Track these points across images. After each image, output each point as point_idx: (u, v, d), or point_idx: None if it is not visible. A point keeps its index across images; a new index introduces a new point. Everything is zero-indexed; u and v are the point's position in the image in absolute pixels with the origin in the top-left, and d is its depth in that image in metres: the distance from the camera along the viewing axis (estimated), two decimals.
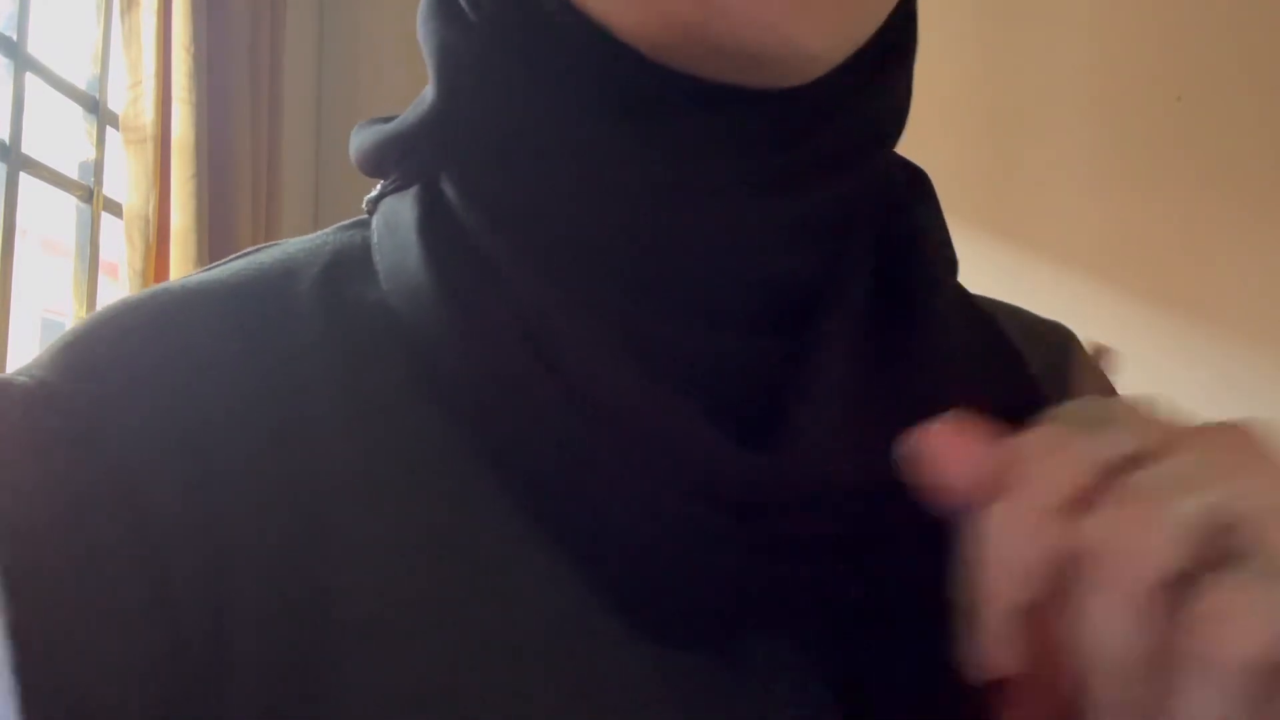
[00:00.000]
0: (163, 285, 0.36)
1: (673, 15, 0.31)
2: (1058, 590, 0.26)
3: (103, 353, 0.33)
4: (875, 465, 0.31)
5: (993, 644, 0.27)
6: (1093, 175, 1.98)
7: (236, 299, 0.35)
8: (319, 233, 0.39)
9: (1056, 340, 0.45)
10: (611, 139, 0.34)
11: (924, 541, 0.31)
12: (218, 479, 0.31)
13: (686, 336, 0.33)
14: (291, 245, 0.38)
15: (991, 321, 0.39)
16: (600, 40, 0.33)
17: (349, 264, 0.36)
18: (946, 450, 0.28)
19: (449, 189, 0.35)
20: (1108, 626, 0.26)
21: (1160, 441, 0.27)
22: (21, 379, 0.32)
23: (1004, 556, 0.27)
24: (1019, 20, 1.97)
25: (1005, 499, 0.27)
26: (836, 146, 0.35)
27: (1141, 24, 1.99)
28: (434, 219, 0.34)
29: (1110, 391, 0.45)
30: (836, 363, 0.33)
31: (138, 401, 0.32)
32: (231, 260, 0.37)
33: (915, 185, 0.40)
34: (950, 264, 0.38)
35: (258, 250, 0.38)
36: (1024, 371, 0.37)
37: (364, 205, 0.38)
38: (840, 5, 0.32)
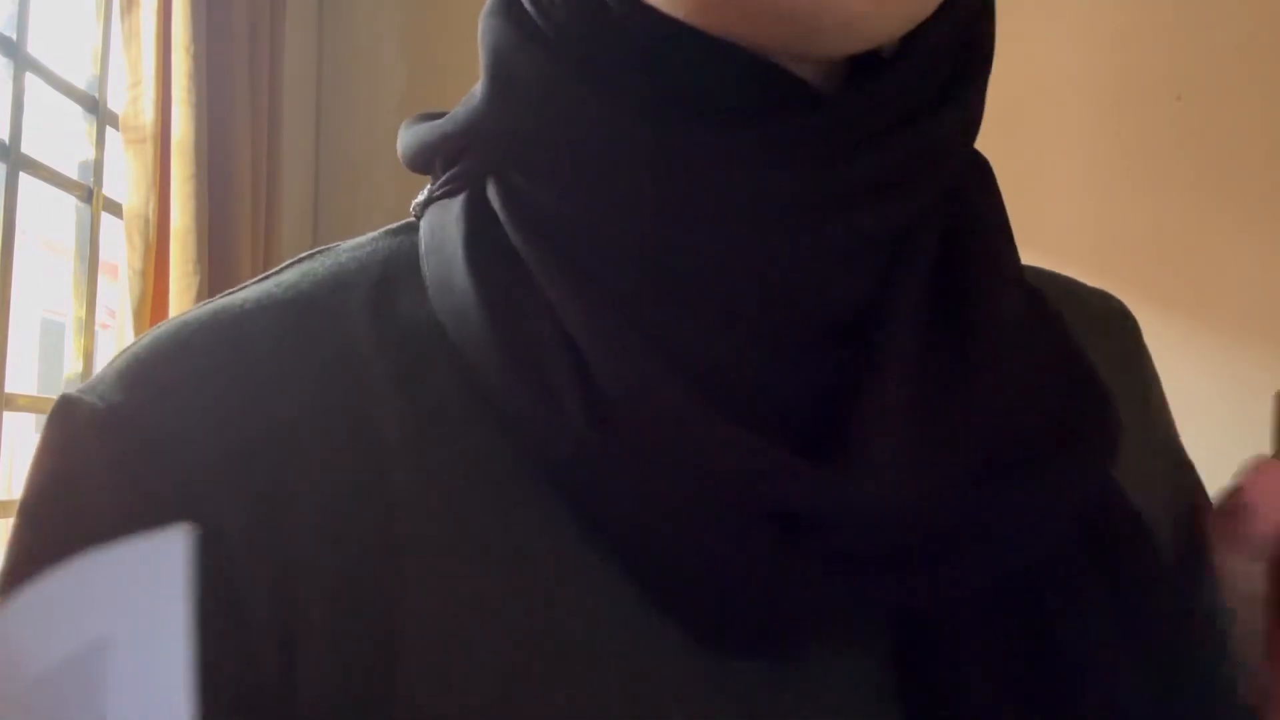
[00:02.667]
0: (220, 301, 0.36)
1: None
2: None
3: (167, 373, 0.33)
4: (937, 483, 0.31)
5: None
6: (1093, 175, 1.98)
7: (293, 315, 0.35)
8: (369, 236, 0.39)
9: (1107, 311, 0.46)
10: (668, 153, 0.33)
11: (983, 555, 0.31)
12: (285, 495, 0.32)
13: (740, 357, 0.33)
14: (344, 252, 0.38)
15: (1055, 317, 0.38)
16: (645, 18, 0.33)
17: (398, 276, 0.36)
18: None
19: (495, 201, 0.35)
20: None
21: None
22: (90, 399, 0.33)
23: None
24: (1019, 20, 1.96)
25: None
26: (907, 156, 0.34)
27: (1141, 24, 1.99)
28: (480, 234, 0.34)
29: (1155, 374, 0.46)
30: (897, 382, 0.32)
31: (204, 420, 0.32)
32: (284, 269, 0.38)
33: (975, 172, 0.39)
34: (1011, 256, 0.37)
35: (310, 256, 0.38)
36: (1087, 371, 0.37)
37: (412, 210, 0.38)
38: None
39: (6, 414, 1.42)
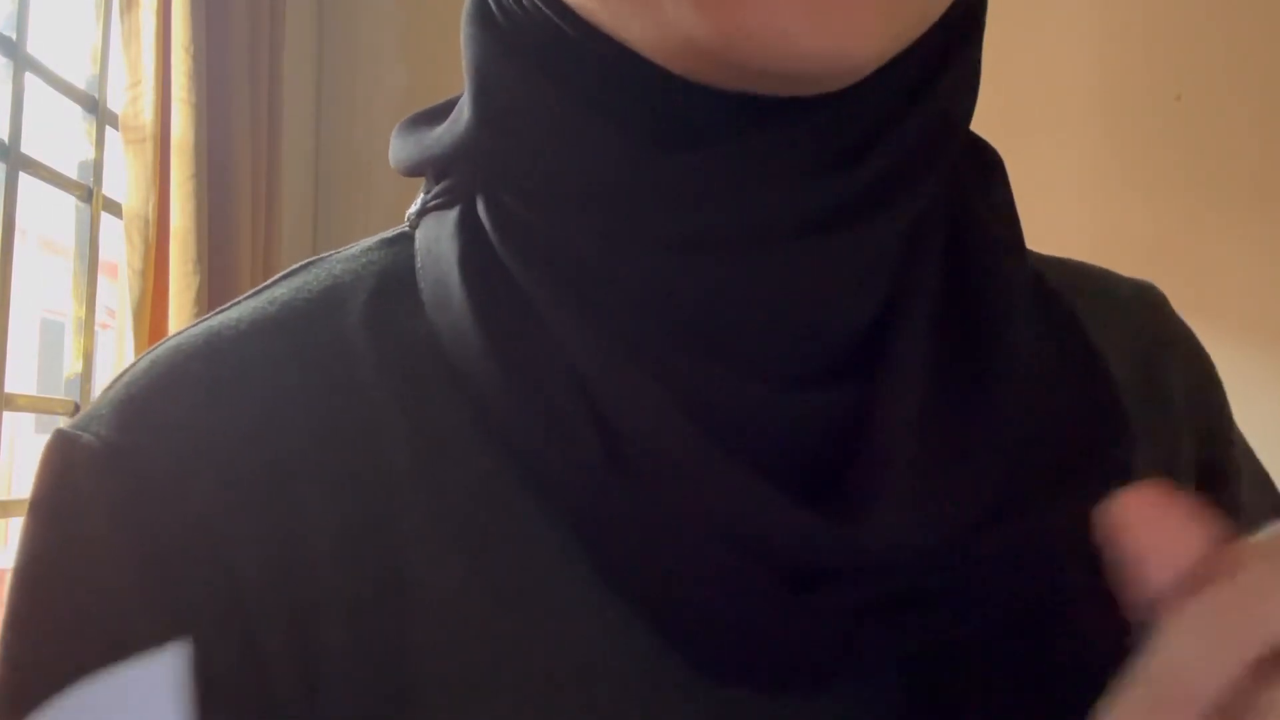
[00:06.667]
0: (215, 321, 0.35)
1: (691, 41, 0.29)
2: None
3: (166, 409, 0.32)
4: (945, 527, 0.30)
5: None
6: (1093, 175, 1.98)
7: (290, 336, 0.34)
8: (363, 246, 0.38)
9: (1141, 304, 0.44)
10: (646, 177, 0.32)
11: (994, 594, 0.31)
12: (298, 529, 0.31)
13: (740, 392, 0.32)
14: (337, 264, 0.37)
15: (1070, 327, 0.36)
16: (625, 60, 0.31)
17: (394, 289, 0.36)
18: (1149, 528, 0.24)
19: (486, 221, 0.34)
20: None
21: None
22: (87, 438, 0.32)
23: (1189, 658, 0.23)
24: (1019, 20, 1.97)
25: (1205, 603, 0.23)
26: (903, 155, 0.32)
27: (1141, 24, 1.99)
28: (475, 255, 0.34)
29: (1200, 354, 0.44)
30: (902, 424, 0.31)
31: (210, 457, 0.32)
32: (276, 283, 0.37)
33: (981, 166, 0.37)
34: (1019, 273, 0.35)
35: (304, 269, 0.37)
36: (1103, 390, 0.35)
37: (406, 220, 0.38)
38: (867, 12, 0.28)
39: (6, 414, 1.42)
